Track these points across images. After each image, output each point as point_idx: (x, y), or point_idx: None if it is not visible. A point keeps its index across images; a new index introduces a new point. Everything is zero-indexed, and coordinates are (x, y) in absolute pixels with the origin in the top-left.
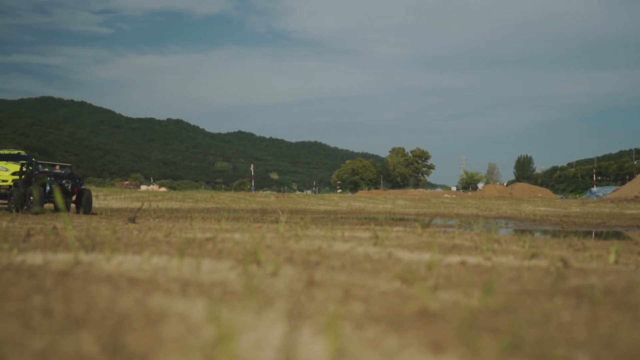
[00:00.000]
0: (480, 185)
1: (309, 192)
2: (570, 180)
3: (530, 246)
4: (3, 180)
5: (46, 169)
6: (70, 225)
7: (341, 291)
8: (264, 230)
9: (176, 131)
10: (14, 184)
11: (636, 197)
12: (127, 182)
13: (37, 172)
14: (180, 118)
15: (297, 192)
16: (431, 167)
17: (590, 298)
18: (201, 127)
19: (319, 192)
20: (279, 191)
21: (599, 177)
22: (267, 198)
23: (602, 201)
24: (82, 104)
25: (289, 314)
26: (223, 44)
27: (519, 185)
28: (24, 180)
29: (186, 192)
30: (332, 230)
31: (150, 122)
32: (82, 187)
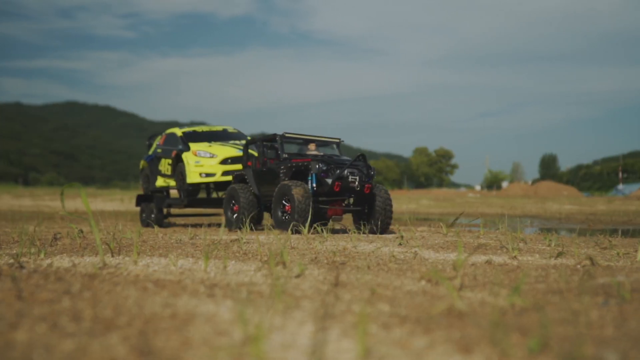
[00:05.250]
0: (504, 184)
1: None
2: (595, 178)
3: (556, 245)
4: (208, 174)
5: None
6: (97, 228)
7: (367, 291)
8: (289, 231)
9: None
10: (234, 178)
11: None
12: None
13: (286, 156)
14: (203, 120)
15: None
16: (455, 166)
17: (618, 296)
18: None
19: None
20: None
21: (625, 175)
22: None
23: (628, 199)
24: (107, 108)
25: (316, 315)
26: (247, 45)
27: (544, 183)
28: (258, 173)
29: None
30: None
31: (173, 124)
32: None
